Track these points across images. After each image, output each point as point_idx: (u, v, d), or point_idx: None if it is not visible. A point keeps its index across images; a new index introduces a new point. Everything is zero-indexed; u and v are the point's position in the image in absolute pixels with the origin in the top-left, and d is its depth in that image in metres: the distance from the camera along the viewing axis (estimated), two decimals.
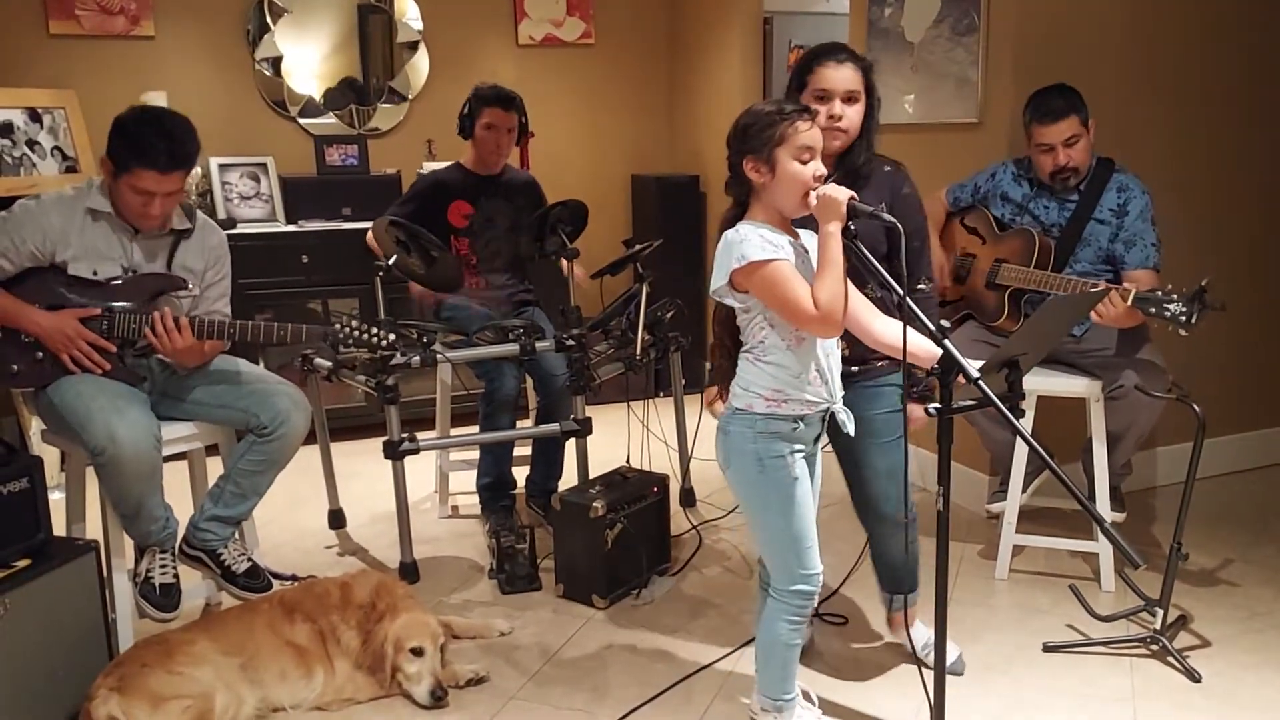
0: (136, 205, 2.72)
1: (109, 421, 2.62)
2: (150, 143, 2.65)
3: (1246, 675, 2.72)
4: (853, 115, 2.44)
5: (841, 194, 2.08)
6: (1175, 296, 2.77)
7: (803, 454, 2.24)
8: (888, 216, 2.06)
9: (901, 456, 2.52)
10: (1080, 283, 3.01)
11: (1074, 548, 3.31)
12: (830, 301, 2.06)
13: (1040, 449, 1.90)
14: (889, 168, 2.53)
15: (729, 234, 2.16)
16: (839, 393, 2.25)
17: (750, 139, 2.13)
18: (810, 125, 2.12)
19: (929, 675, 2.13)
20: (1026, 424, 3.20)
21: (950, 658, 2.69)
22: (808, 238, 2.23)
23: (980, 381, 1.90)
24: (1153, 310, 2.80)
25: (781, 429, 2.19)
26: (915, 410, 2.44)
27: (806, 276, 2.12)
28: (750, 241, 2.10)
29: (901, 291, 2.02)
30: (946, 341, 1.93)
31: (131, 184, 2.68)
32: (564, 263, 3.54)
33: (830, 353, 2.22)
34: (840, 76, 2.42)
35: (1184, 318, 2.74)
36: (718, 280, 2.17)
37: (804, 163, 2.11)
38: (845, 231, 2.10)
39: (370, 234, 3.59)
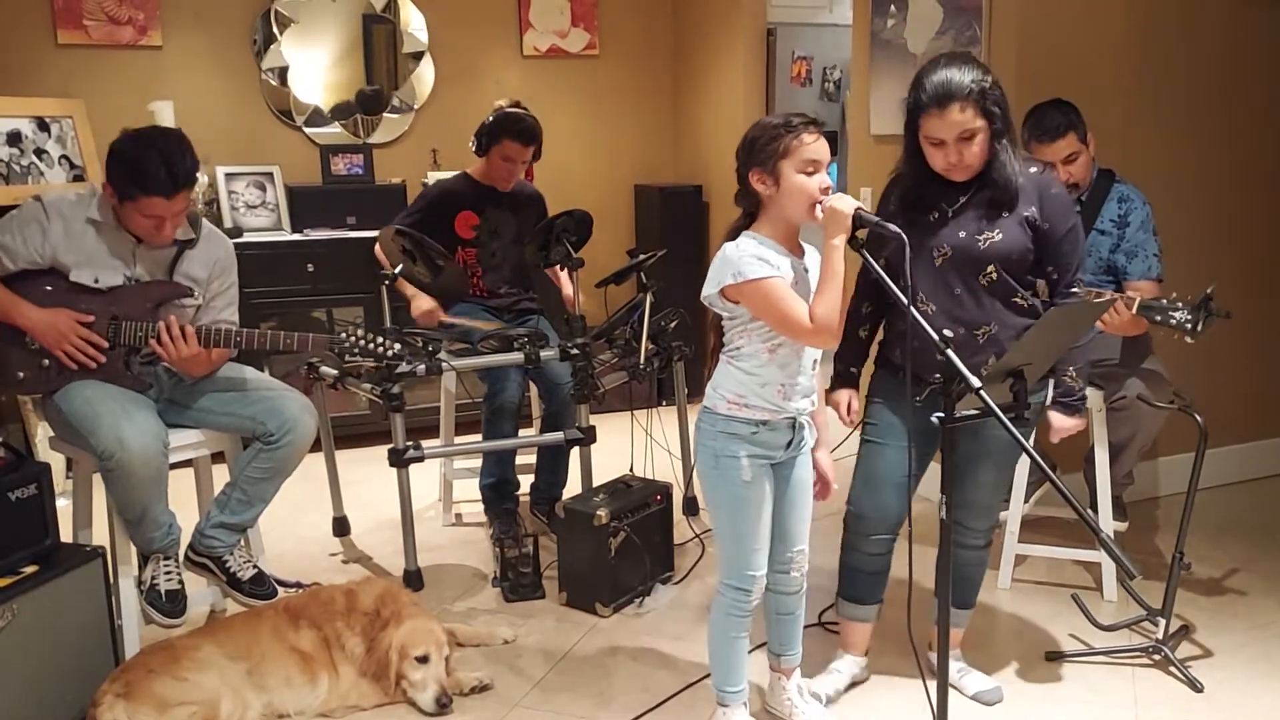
0: (148, 228, 2.74)
1: (117, 426, 2.63)
2: (150, 172, 2.64)
3: (1249, 685, 2.72)
4: (973, 151, 2.32)
5: (847, 205, 2.10)
6: (1180, 304, 2.78)
7: (764, 460, 2.27)
8: (892, 228, 2.07)
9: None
10: (1083, 292, 3.02)
11: (1076, 557, 3.32)
12: (826, 315, 2.11)
13: (1041, 461, 1.91)
14: (1035, 169, 2.44)
15: (727, 248, 2.20)
16: (806, 405, 2.29)
17: (756, 152, 2.16)
18: (816, 137, 2.15)
19: (932, 682, 2.14)
20: (1029, 434, 3.21)
21: (984, 687, 2.68)
22: (812, 256, 2.27)
23: (982, 391, 1.91)
24: (1158, 318, 2.80)
25: (740, 431, 2.24)
26: (1064, 421, 2.55)
27: (805, 296, 2.18)
28: (746, 260, 2.14)
29: (906, 300, 2.03)
30: (950, 352, 1.93)
31: (139, 210, 2.70)
32: (564, 273, 3.53)
33: (804, 370, 2.26)
34: (946, 124, 2.29)
35: (1189, 325, 2.75)
36: (709, 289, 2.22)
37: (809, 174, 2.14)
38: (853, 241, 2.13)
39: (377, 244, 3.61)
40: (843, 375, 2.65)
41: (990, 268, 2.38)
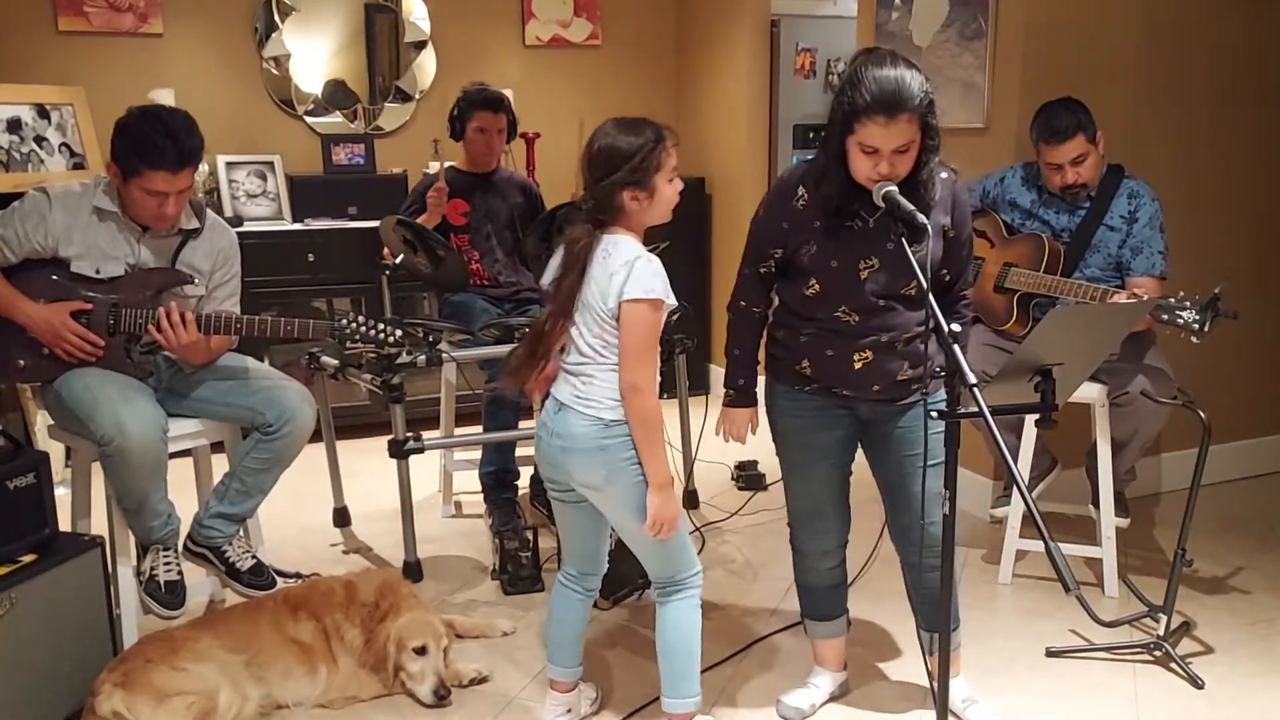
0: (151, 207, 2.72)
1: (117, 412, 2.62)
2: (157, 144, 2.63)
3: (1250, 682, 2.72)
4: (906, 165, 2.16)
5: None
6: (1188, 304, 2.77)
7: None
8: (921, 218, 2.06)
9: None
10: (1090, 288, 3.01)
11: (1077, 553, 3.30)
12: None
13: (1013, 467, 1.89)
14: (946, 175, 2.29)
15: (643, 262, 2.20)
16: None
17: (634, 170, 2.19)
18: (676, 147, 2.21)
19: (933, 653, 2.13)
20: (1029, 429, 3.20)
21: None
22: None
23: (976, 389, 1.89)
24: (1165, 318, 2.79)
25: None
26: None
27: None
28: (663, 278, 2.20)
29: (926, 286, 2.01)
30: (955, 347, 1.92)
31: (143, 186, 2.67)
32: None
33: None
34: (890, 134, 2.09)
35: (1197, 325, 2.74)
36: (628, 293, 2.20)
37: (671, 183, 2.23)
38: (896, 229, 2.14)
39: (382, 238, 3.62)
40: (745, 391, 2.53)
41: (915, 280, 2.24)
